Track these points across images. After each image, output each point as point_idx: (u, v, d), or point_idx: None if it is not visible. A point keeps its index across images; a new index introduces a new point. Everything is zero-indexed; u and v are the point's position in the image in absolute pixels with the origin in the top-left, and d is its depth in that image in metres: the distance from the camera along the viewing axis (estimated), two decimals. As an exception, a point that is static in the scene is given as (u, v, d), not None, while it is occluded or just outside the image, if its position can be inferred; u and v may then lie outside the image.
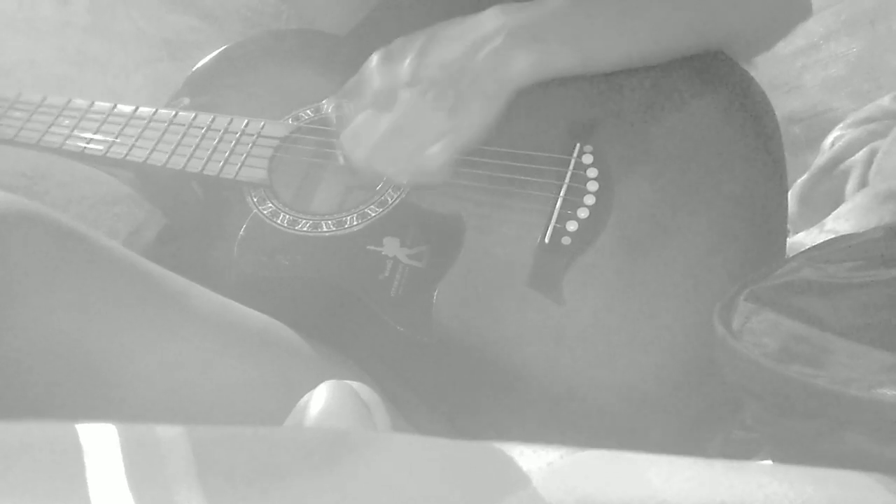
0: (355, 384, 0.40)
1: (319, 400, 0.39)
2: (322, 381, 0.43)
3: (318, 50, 0.79)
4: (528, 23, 0.65)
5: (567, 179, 0.63)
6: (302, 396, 0.43)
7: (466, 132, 0.65)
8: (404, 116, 0.65)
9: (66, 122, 0.73)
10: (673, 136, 0.65)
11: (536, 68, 0.65)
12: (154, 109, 0.73)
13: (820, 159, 0.92)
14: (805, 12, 0.74)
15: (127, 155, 0.71)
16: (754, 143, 0.64)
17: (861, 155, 0.87)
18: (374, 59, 0.69)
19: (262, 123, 0.71)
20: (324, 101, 0.74)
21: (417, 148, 0.65)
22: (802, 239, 0.82)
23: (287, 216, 0.67)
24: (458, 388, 0.59)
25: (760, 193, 0.62)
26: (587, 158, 0.64)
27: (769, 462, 0.52)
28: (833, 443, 0.43)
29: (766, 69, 0.74)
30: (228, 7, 1.11)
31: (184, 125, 0.72)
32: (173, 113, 0.73)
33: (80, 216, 0.59)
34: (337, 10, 0.83)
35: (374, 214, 0.65)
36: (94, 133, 0.72)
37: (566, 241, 0.61)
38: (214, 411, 0.56)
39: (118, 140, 0.72)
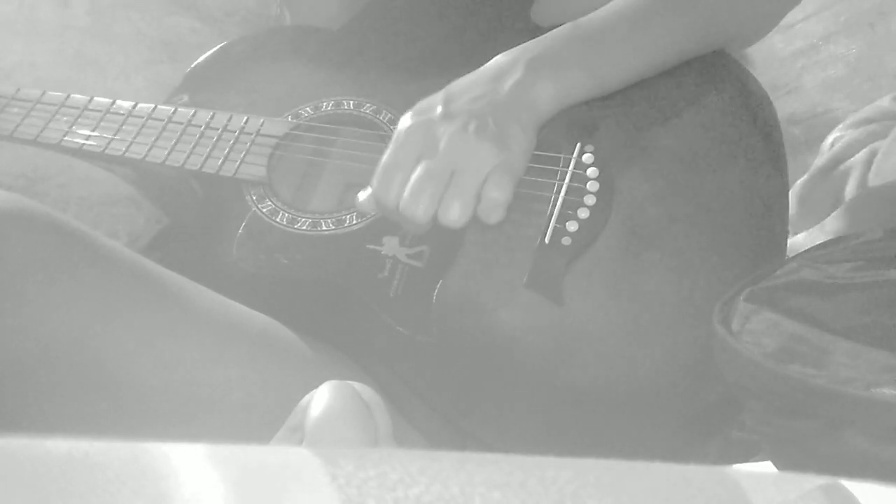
0: (357, 384, 0.40)
1: (321, 400, 0.39)
2: (321, 382, 0.43)
3: (316, 47, 0.78)
4: (543, 53, 0.65)
5: (568, 179, 0.63)
6: (302, 396, 0.43)
7: (520, 160, 0.62)
8: (452, 151, 0.60)
9: (65, 118, 0.73)
10: (673, 137, 0.65)
11: (558, 96, 0.64)
12: (153, 106, 0.73)
13: (819, 160, 0.92)
14: None
15: (126, 151, 0.71)
16: (755, 143, 0.65)
17: (861, 156, 0.87)
18: (405, 122, 0.64)
19: (261, 121, 0.71)
20: (323, 101, 0.73)
21: (475, 183, 0.60)
22: (802, 239, 0.82)
23: (286, 214, 0.67)
24: (457, 388, 0.59)
25: (761, 194, 0.62)
26: (588, 158, 0.64)
27: (769, 462, 0.52)
28: (832, 443, 0.43)
29: (765, 70, 0.74)
30: (228, 9, 1.11)
31: (183, 122, 0.72)
32: (172, 110, 0.73)
33: (79, 217, 0.59)
34: (330, 6, 0.83)
35: (373, 213, 0.65)
36: (93, 129, 0.72)
37: (566, 241, 0.61)
38: (214, 411, 0.56)
39: (117, 136, 0.71)
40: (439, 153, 0.60)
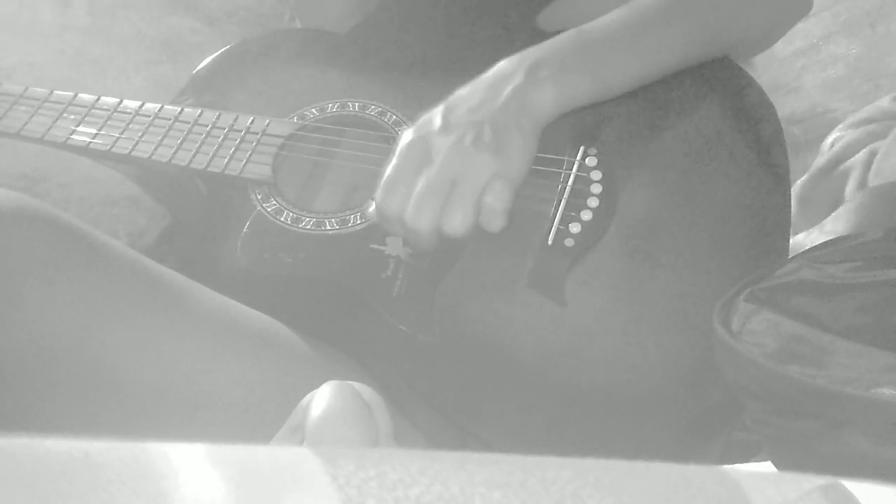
0: (357, 385, 0.40)
1: (322, 400, 0.39)
2: (322, 382, 0.43)
3: (321, 49, 0.79)
4: (543, 59, 0.65)
5: (571, 182, 0.63)
6: (302, 396, 0.43)
7: (518, 167, 0.62)
8: (449, 163, 0.61)
9: (72, 116, 0.73)
10: (676, 139, 0.65)
11: (559, 100, 0.64)
12: (160, 106, 0.73)
13: (819, 160, 0.92)
14: (806, 6, 0.74)
15: (132, 150, 0.71)
16: (757, 145, 0.65)
17: (861, 156, 0.87)
18: (405, 137, 0.64)
19: (266, 121, 0.72)
20: (328, 103, 0.74)
21: (473, 193, 0.61)
22: (802, 240, 0.82)
23: (291, 214, 0.67)
24: (459, 388, 0.59)
25: (763, 195, 0.63)
26: (591, 161, 0.64)
27: (769, 462, 0.52)
28: (832, 443, 0.43)
29: (765, 70, 0.74)
30: (228, 9, 1.11)
31: (189, 122, 0.72)
32: (179, 109, 0.73)
33: (80, 217, 0.59)
34: (339, 10, 0.83)
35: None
36: (100, 128, 0.72)
37: (569, 242, 0.61)
38: (214, 411, 0.56)
39: (123, 135, 0.72)
40: (438, 166, 0.61)
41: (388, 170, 0.62)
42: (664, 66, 0.67)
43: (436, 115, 0.64)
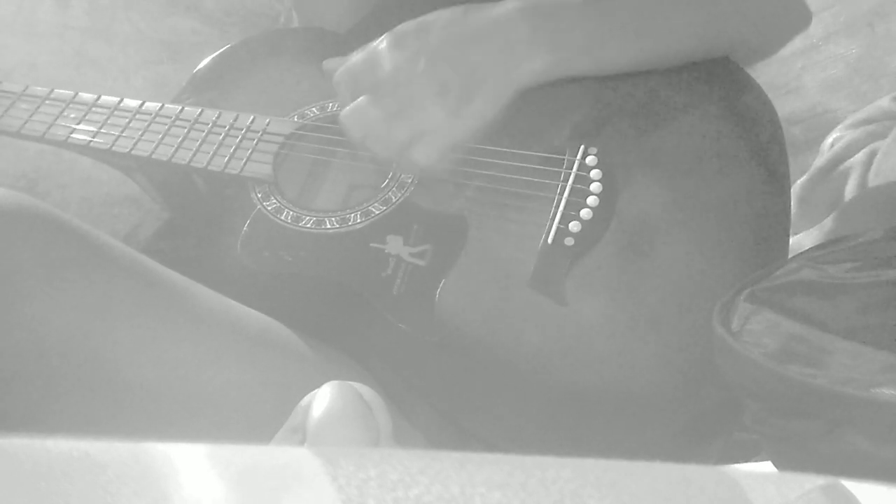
0: (358, 385, 0.40)
1: (323, 401, 0.39)
2: (322, 382, 0.43)
3: (322, 47, 0.79)
4: (547, 24, 0.65)
5: (571, 180, 0.63)
6: (302, 396, 0.43)
7: (460, 131, 0.65)
8: (407, 106, 0.65)
9: (73, 115, 0.73)
10: (676, 138, 0.65)
11: (549, 70, 0.65)
12: (160, 104, 0.73)
13: (819, 160, 0.92)
14: (805, 21, 0.74)
15: (132, 149, 0.71)
16: (757, 145, 0.65)
17: (860, 156, 0.87)
18: (385, 41, 0.68)
19: (267, 120, 0.72)
20: (329, 102, 0.74)
21: (411, 138, 0.65)
22: (802, 239, 0.82)
23: (291, 213, 0.67)
24: (459, 388, 0.59)
25: (763, 195, 0.63)
26: (591, 159, 0.64)
27: (769, 462, 0.52)
28: (832, 443, 0.43)
29: (765, 70, 0.74)
30: (228, 9, 1.11)
31: (189, 120, 0.72)
32: (179, 108, 0.73)
33: (80, 217, 0.59)
34: (338, 8, 0.83)
35: (377, 212, 0.65)
36: (100, 127, 0.72)
37: (569, 241, 0.61)
38: (214, 411, 0.56)
39: (124, 134, 0.72)
40: (394, 98, 0.65)
41: (362, 98, 0.67)
42: (663, 52, 0.67)
43: (422, 32, 0.67)
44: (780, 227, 0.63)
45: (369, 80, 0.67)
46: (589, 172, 0.64)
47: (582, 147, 0.65)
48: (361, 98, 0.67)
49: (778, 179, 0.64)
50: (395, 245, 0.63)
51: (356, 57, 0.69)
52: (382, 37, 0.68)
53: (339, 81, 0.69)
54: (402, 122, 0.65)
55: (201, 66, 0.79)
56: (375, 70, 0.67)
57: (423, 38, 0.66)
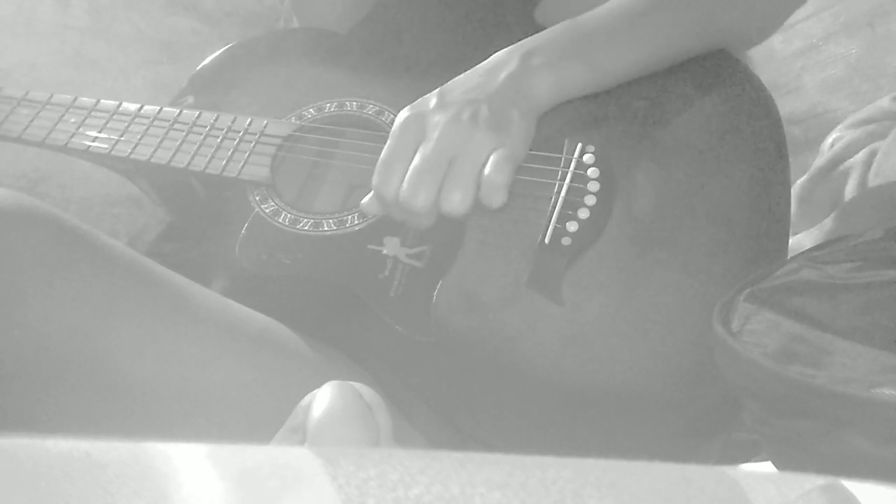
0: (358, 385, 0.40)
1: (323, 401, 0.39)
2: (321, 382, 0.43)
3: (321, 49, 0.79)
4: (538, 47, 0.65)
5: (568, 179, 0.63)
6: (302, 396, 0.43)
7: (518, 143, 0.62)
8: (447, 138, 0.60)
9: (72, 119, 0.73)
10: (675, 137, 0.65)
11: (554, 88, 0.65)
12: (158, 108, 0.73)
13: (819, 160, 0.92)
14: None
15: (131, 153, 0.71)
16: (757, 143, 0.65)
17: (860, 156, 0.87)
18: (399, 115, 0.64)
19: (265, 122, 0.72)
20: (326, 103, 0.74)
21: (473, 168, 0.60)
22: (802, 239, 0.82)
23: (289, 215, 0.67)
24: (457, 388, 0.59)
25: (763, 194, 0.62)
26: (588, 158, 0.64)
27: (769, 462, 0.52)
28: (832, 443, 0.43)
29: (765, 70, 0.74)
30: (228, 9, 1.11)
31: (187, 124, 0.72)
32: (177, 112, 0.73)
33: (80, 217, 0.59)
34: (338, 9, 0.83)
35: (377, 214, 0.65)
36: (99, 131, 0.73)
37: (566, 241, 0.61)
38: (214, 411, 0.56)
39: (123, 138, 0.72)
40: (434, 141, 0.61)
41: (385, 150, 0.62)
42: (661, 55, 0.67)
43: (431, 96, 0.64)
44: (780, 225, 0.62)
45: (408, 152, 0.62)
46: (586, 171, 0.64)
47: (579, 146, 0.65)
48: (413, 168, 0.61)
49: (777, 176, 0.64)
50: (392, 246, 0.63)
51: (382, 154, 0.63)
52: (397, 118, 0.64)
53: (379, 181, 0.62)
54: (463, 159, 0.60)
55: (201, 67, 0.79)
56: (409, 140, 0.62)
57: (429, 97, 0.65)
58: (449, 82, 0.65)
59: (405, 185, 0.60)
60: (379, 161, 0.62)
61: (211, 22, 1.09)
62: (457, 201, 0.60)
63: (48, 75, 1.02)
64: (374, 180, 0.62)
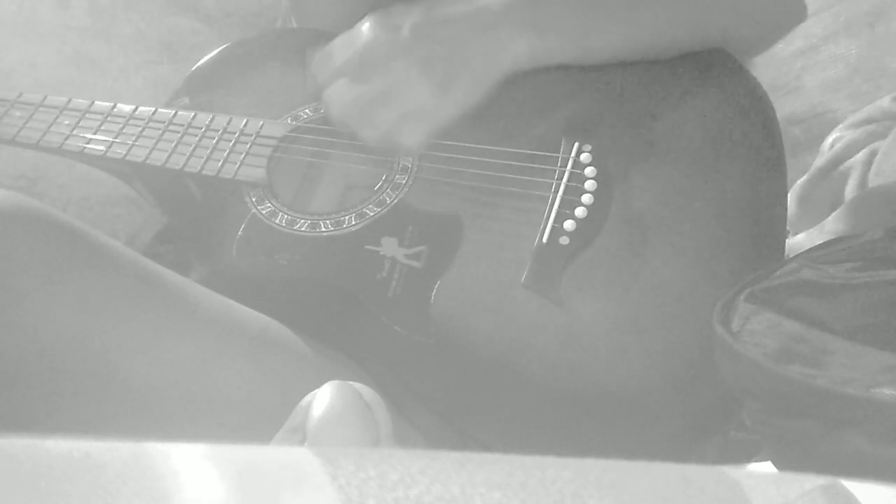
0: (358, 385, 0.40)
1: (323, 401, 0.39)
2: (321, 382, 0.43)
3: (317, 48, 0.79)
4: (533, 9, 0.65)
5: (565, 179, 0.63)
6: (302, 396, 0.43)
7: (447, 112, 0.65)
8: (391, 85, 0.65)
9: (67, 121, 0.73)
10: (672, 136, 0.65)
11: (533, 56, 0.65)
12: (153, 109, 0.73)
13: (819, 160, 0.92)
14: (800, 15, 0.74)
15: (126, 155, 0.71)
16: (754, 142, 0.65)
17: (861, 156, 0.87)
18: (367, 21, 0.68)
19: (260, 123, 0.72)
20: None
21: (397, 119, 0.65)
22: (802, 240, 0.82)
23: (285, 216, 0.67)
24: (455, 389, 0.59)
25: (760, 194, 0.62)
26: (585, 157, 0.64)
27: (769, 462, 0.52)
28: (832, 443, 0.43)
29: (765, 70, 0.74)
30: (228, 9, 1.11)
31: (183, 125, 0.72)
32: (172, 113, 0.73)
33: (79, 217, 0.59)
34: (336, 10, 0.83)
35: (372, 214, 0.65)
36: (94, 133, 0.72)
37: (564, 240, 0.61)
38: (214, 410, 0.56)
39: (118, 140, 0.72)
40: (379, 78, 0.65)
41: (342, 79, 0.67)
42: (651, 42, 0.67)
43: (408, 21, 0.67)
44: (778, 225, 0.62)
45: (351, 59, 0.67)
46: (584, 170, 0.64)
47: (576, 144, 0.65)
48: (344, 78, 0.67)
49: (775, 175, 0.64)
50: (390, 247, 0.63)
51: (336, 39, 0.69)
52: (366, 18, 0.68)
53: (317, 62, 0.69)
54: (388, 101, 0.65)
55: (196, 67, 0.79)
56: (357, 49, 0.67)
57: (407, 19, 0.66)
58: (434, 10, 0.67)
59: (334, 88, 0.67)
60: (329, 47, 0.69)
61: (211, 22, 1.09)
62: (368, 137, 0.66)
63: (48, 75, 1.02)
64: (317, 58, 0.69)
